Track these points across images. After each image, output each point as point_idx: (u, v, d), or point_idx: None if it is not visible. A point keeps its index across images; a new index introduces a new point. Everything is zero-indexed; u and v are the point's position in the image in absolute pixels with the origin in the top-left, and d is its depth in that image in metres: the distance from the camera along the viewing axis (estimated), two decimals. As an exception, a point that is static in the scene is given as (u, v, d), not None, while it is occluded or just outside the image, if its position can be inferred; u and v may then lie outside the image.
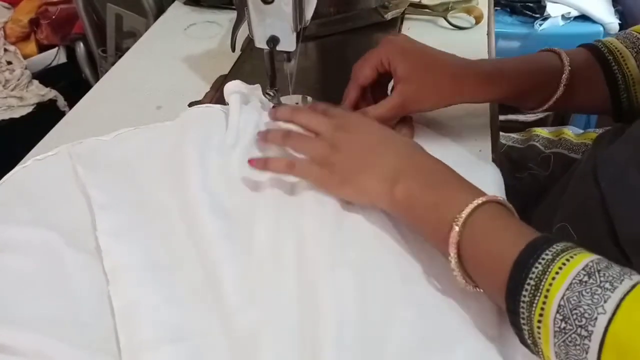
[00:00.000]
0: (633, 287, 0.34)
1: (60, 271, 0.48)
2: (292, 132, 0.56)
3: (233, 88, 0.63)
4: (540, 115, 1.41)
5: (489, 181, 0.56)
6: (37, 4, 1.62)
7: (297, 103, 0.69)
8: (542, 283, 0.37)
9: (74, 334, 0.44)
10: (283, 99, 0.68)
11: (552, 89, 0.60)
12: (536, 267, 0.37)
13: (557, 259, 0.37)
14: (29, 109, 1.50)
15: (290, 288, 0.46)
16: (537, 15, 1.38)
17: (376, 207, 0.52)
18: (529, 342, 0.39)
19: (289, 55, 0.63)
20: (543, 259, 0.38)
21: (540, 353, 0.38)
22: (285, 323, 0.44)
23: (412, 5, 0.86)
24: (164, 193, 0.55)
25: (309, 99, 0.70)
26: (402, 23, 0.88)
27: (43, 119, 1.46)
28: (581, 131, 0.76)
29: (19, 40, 1.63)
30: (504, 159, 0.76)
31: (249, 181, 0.56)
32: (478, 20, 0.83)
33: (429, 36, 0.78)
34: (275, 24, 0.59)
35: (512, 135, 0.80)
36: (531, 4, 1.39)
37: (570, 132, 0.74)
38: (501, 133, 0.79)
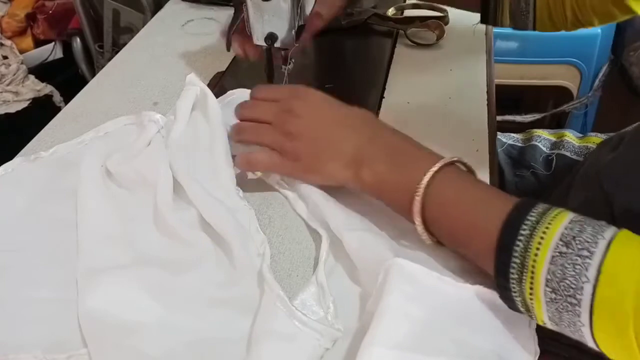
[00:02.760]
0: (608, 246, 0.36)
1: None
2: (244, 125, 0.56)
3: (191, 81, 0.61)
4: (538, 116, 1.42)
5: None
6: (33, -2, 1.61)
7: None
8: (527, 261, 0.38)
9: None
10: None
11: None
12: (517, 246, 0.39)
13: (535, 233, 0.38)
14: (25, 104, 1.49)
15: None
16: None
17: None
18: (522, 310, 0.40)
19: (286, 57, 0.63)
20: (522, 235, 0.39)
21: (534, 316, 0.40)
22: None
23: (376, 15, 0.83)
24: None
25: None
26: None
27: (39, 114, 1.46)
28: (581, 135, 0.76)
29: (15, 35, 1.62)
30: (504, 156, 0.77)
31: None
32: (439, 36, 0.79)
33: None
34: (274, 21, 0.59)
35: (513, 134, 0.80)
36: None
37: (571, 135, 0.75)
38: (501, 132, 0.79)
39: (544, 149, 0.75)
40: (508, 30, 1.44)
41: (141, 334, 0.43)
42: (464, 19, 0.85)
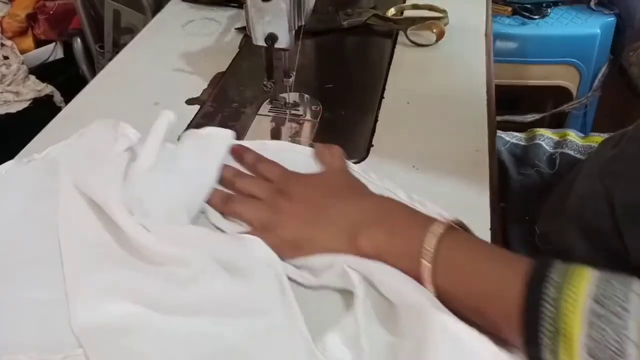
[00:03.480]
0: None
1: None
2: (232, 197, 0.54)
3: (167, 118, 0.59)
4: (537, 116, 1.42)
5: None
6: (34, -1, 1.61)
7: (294, 101, 0.69)
8: (559, 324, 0.36)
9: None
10: (280, 97, 0.68)
11: None
12: (546, 308, 0.37)
13: (561, 296, 0.36)
14: (26, 104, 1.49)
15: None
16: (536, 17, 1.38)
17: None
18: None
19: (287, 71, 0.63)
20: (548, 296, 0.37)
21: None
22: None
23: (376, 16, 0.83)
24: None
25: (306, 97, 0.70)
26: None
27: (39, 115, 1.46)
28: (583, 135, 0.76)
29: (16, 35, 1.62)
30: (508, 154, 0.77)
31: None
32: (439, 37, 0.79)
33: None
34: (274, 21, 0.59)
35: (515, 133, 0.80)
36: (529, 5, 1.39)
37: (574, 134, 0.75)
38: (503, 131, 0.79)
39: (548, 147, 0.75)
40: (508, 30, 1.45)
41: (137, 334, 0.43)
42: (464, 19, 0.85)
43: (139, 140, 0.57)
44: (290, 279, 0.47)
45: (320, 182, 0.54)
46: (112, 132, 0.60)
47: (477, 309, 0.42)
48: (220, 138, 0.60)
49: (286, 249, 0.49)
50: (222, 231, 0.53)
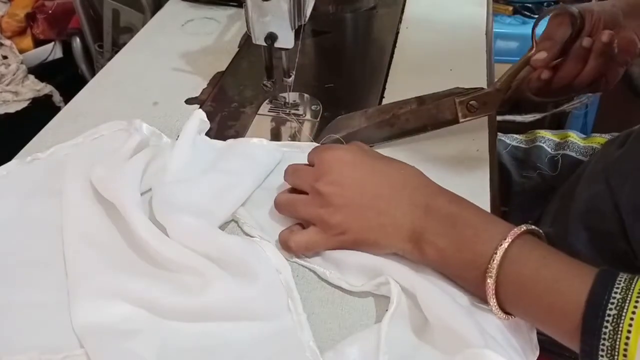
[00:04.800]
0: None
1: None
2: (290, 198, 0.51)
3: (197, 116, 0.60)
4: (538, 116, 1.42)
5: None
6: (33, -2, 1.61)
7: (294, 101, 0.69)
8: (618, 343, 0.36)
9: None
10: (280, 96, 0.68)
11: None
12: (605, 327, 0.36)
13: (624, 313, 0.36)
14: (25, 104, 1.49)
15: None
16: (537, 16, 1.37)
17: None
18: None
19: (287, 70, 0.63)
20: (609, 315, 0.36)
21: None
22: None
23: None
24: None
25: (306, 96, 0.70)
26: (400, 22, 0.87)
27: (38, 114, 1.46)
28: (584, 135, 0.76)
29: (14, 35, 1.61)
30: (509, 157, 0.77)
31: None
32: None
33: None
34: (274, 21, 0.59)
35: (516, 136, 0.80)
36: (530, 4, 1.39)
37: (575, 135, 0.75)
38: (504, 133, 0.79)
39: (549, 149, 0.75)
40: (508, 30, 1.44)
41: (140, 339, 0.43)
42: (465, 19, 0.85)
43: (163, 143, 0.59)
44: (331, 284, 0.47)
45: (366, 167, 0.49)
46: (125, 130, 0.61)
47: (540, 321, 0.41)
48: (269, 151, 0.59)
49: (348, 245, 0.47)
50: (252, 236, 0.52)
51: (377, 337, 0.41)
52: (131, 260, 0.49)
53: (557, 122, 1.45)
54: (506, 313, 0.43)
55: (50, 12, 1.58)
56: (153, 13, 0.97)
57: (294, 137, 0.65)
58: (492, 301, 0.42)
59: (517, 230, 0.42)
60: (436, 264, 0.45)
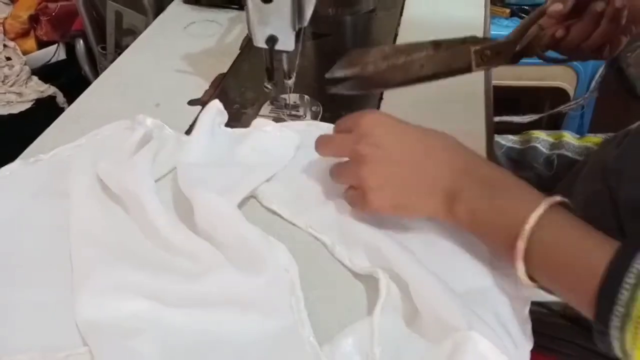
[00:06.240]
0: None
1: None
2: (335, 165, 0.52)
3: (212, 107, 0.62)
4: (535, 117, 1.43)
5: None
6: (37, 0, 1.62)
7: (295, 102, 0.70)
8: (632, 310, 0.36)
9: None
10: (281, 98, 0.69)
11: None
12: (622, 294, 0.37)
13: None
14: (28, 105, 1.50)
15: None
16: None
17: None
18: (618, 353, 0.39)
19: (288, 71, 0.64)
20: (627, 283, 0.37)
21: None
22: None
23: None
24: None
25: (307, 98, 0.71)
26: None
27: (42, 115, 1.47)
28: (579, 135, 0.76)
29: (18, 37, 1.63)
30: (505, 158, 0.77)
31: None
32: None
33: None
34: (275, 23, 0.59)
35: (511, 136, 0.80)
36: (527, 7, 1.40)
37: (570, 135, 0.75)
38: (498, 135, 0.80)
39: (544, 150, 0.75)
40: (505, 33, 1.45)
41: (143, 337, 0.43)
42: (462, 21, 0.86)
43: (165, 134, 0.60)
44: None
45: (406, 132, 0.50)
46: (129, 129, 0.62)
47: (562, 287, 0.42)
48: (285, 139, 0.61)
49: (386, 209, 0.49)
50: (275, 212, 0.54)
51: (369, 328, 0.43)
52: (137, 256, 0.50)
53: (554, 123, 1.46)
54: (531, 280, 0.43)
55: (53, 14, 1.59)
56: (155, 15, 0.98)
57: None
58: (520, 264, 0.42)
59: (551, 199, 0.43)
60: (467, 226, 0.46)
